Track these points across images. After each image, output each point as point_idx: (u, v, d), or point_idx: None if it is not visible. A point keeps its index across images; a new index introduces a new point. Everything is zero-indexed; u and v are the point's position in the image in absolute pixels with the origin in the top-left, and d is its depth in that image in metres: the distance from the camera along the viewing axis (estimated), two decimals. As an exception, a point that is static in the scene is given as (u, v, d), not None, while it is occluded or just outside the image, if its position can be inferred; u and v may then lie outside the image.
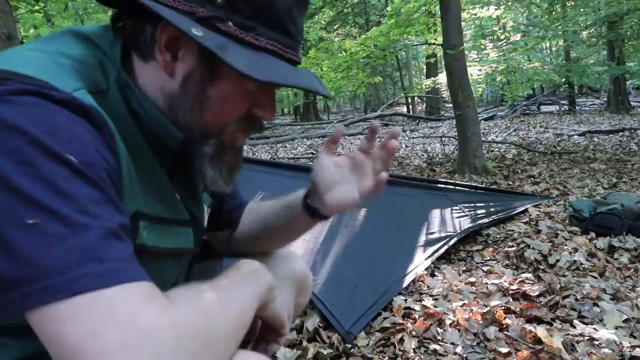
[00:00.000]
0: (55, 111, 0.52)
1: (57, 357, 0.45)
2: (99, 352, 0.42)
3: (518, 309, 1.80)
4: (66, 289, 0.44)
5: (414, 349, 1.60)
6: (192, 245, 0.80)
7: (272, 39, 0.62)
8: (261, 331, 0.79)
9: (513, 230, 2.84)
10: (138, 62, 0.66)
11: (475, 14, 7.75)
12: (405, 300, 1.95)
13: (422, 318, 1.79)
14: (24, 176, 0.47)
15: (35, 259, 0.45)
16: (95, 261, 0.46)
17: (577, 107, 15.24)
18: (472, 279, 2.16)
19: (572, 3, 9.90)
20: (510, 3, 8.86)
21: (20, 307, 0.45)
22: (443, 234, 2.52)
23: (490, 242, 2.72)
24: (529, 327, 1.65)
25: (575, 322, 1.69)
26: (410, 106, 21.17)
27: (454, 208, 2.79)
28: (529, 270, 2.26)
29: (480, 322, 1.74)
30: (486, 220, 2.86)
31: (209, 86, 0.64)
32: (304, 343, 1.64)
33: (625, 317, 1.69)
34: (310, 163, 6.45)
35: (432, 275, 2.26)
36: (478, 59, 10.30)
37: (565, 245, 2.46)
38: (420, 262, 2.24)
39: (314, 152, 8.21)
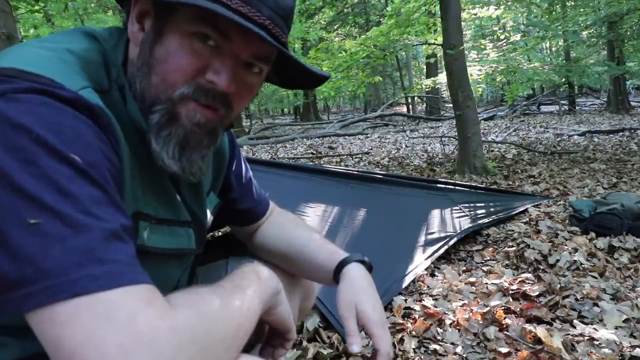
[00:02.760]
0: (60, 110, 0.51)
1: (55, 359, 0.44)
2: (97, 355, 0.42)
3: (518, 309, 1.80)
4: (65, 291, 0.44)
5: (414, 349, 1.60)
6: (193, 246, 0.79)
7: None
8: (268, 336, 0.78)
9: (513, 230, 2.84)
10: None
11: (475, 14, 7.74)
12: (405, 300, 1.95)
13: (422, 318, 1.79)
14: (27, 175, 0.46)
15: (35, 259, 0.44)
16: (96, 263, 0.45)
17: (577, 107, 15.25)
18: (472, 279, 2.16)
19: (572, 3, 9.90)
20: (510, 3, 8.84)
21: (20, 308, 0.44)
22: (443, 234, 2.52)
23: (490, 242, 2.72)
24: (529, 327, 1.65)
25: (575, 322, 1.69)
26: (410, 106, 21.20)
27: (454, 208, 2.79)
28: (529, 270, 2.26)
29: (480, 322, 1.74)
30: (486, 220, 2.85)
31: (156, 45, 0.61)
32: (304, 343, 1.64)
33: (625, 317, 1.69)
34: (310, 163, 6.45)
35: (432, 275, 2.26)
36: (478, 59, 10.28)
37: (565, 245, 2.46)
38: (420, 262, 2.24)
39: (314, 152, 8.21)
